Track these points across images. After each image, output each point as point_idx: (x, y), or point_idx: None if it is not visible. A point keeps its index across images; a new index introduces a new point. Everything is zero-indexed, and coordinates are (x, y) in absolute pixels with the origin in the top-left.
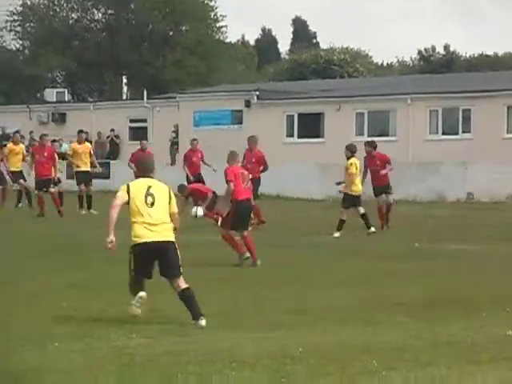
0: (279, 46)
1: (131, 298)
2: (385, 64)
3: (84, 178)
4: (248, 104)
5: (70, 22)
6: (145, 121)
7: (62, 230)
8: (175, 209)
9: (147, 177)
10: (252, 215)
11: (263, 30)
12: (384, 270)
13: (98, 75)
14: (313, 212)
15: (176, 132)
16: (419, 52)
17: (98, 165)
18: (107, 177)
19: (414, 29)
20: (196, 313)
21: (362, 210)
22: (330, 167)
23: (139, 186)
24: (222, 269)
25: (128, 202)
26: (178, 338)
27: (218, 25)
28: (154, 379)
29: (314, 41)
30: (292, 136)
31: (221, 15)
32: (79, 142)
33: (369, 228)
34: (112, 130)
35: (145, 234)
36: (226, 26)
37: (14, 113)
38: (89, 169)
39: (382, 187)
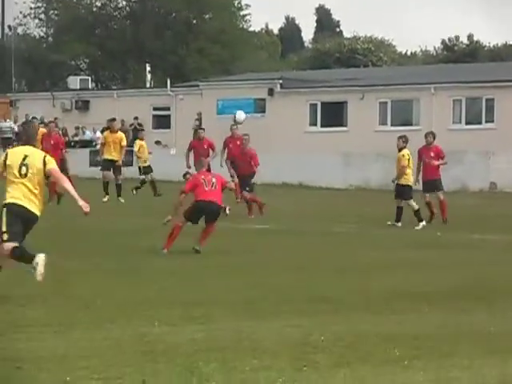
0: (303, 34)
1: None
2: (408, 53)
3: (108, 165)
4: (271, 92)
5: (94, 9)
6: (168, 109)
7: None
8: (53, 165)
9: (28, 145)
10: (213, 214)
11: (287, 18)
12: (406, 258)
13: (122, 63)
14: (335, 201)
15: (199, 120)
16: (443, 41)
17: (121, 158)
18: (130, 164)
19: (438, 18)
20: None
21: (402, 204)
22: (352, 156)
23: (16, 154)
24: (246, 256)
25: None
26: (201, 326)
27: (241, 13)
28: (176, 367)
29: (338, 29)
30: (315, 125)
31: (245, 4)
32: (111, 131)
33: (396, 221)
34: (136, 118)
35: (21, 198)
36: (249, 15)
37: (38, 100)
38: (115, 158)
39: (430, 182)
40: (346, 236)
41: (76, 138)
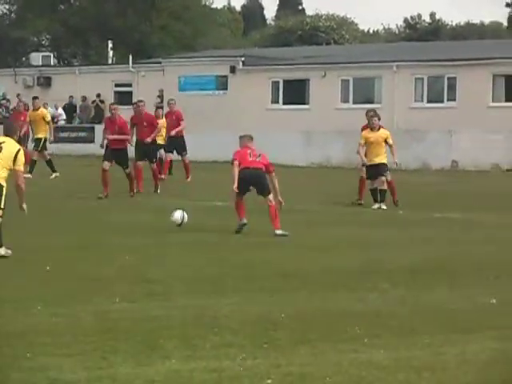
0: (265, 12)
1: None
2: (371, 31)
3: (36, 145)
4: (233, 70)
5: None
6: (130, 85)
7: (47, 196)
8: (20, 166)
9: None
10: (260, 182)
11: None
12: (368, 237)
13: (84, 40)
14: (297, 178)
15: (161, 97)
16: (405, 20)
17: (51, 134)
18: (92, 141)
19: None
20: None
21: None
22: (314, 134)
23: None
24: (207, 233)
25: None
26: (162, 303)
27: None
28: (137, 344)
29: (300, 7)
30: (277, 102)
31: None
32: (33, 110)
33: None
34: (98, 96)
35: None
36: None
37: (0, 76)
38: (41, 136)
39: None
40: (308, 214)
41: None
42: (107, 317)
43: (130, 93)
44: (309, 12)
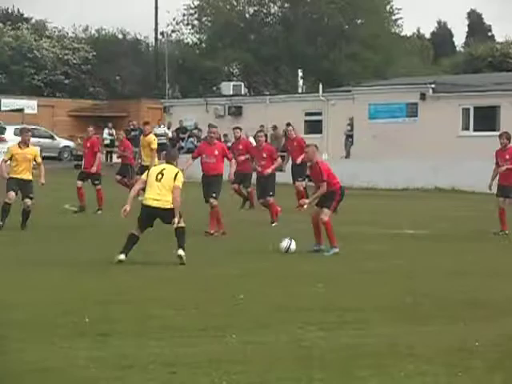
0: (454, 39)
1: None
2: None
3: (141, 171)
4: (423, 97)
5: (247, 15)
6: (320, 114)
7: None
8: (179, 183)
9: (168, 163)
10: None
11: (439, 22)
12: None
13: (274, 68)
14: (488, 206)
15: (351, 125)
16: None
17: (152, 162)
18: (281, 169)
19: None
20: (179, 244)
21: None
22: None
23: (155, 168)
24: (397, 261)
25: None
26: (355, 332)
27: (393, 18)
28: (332, 372)
29: (490, 34)
30: (467, 129)
31: (396, 8)
32: (144, 135)
33: None
34: (288, 125)
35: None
36: (401, 19)
37: (192, 106)
38: (147, 163)
39: (501, 187)
40: (499, 240)
41: (228, 144)
42: (301, 345)
43: (320, 121)
44: (498, 38)
